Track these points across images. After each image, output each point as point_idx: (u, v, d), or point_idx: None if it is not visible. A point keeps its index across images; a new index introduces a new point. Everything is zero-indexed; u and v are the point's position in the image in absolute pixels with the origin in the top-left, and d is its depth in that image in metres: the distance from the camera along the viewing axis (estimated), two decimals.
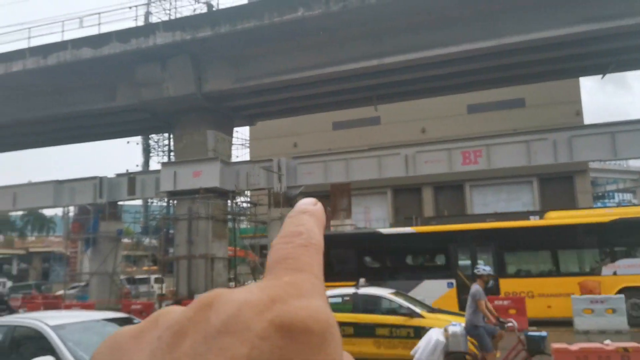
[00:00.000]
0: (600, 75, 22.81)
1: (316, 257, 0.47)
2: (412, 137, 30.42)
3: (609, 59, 20.78)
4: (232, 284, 22.41)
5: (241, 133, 35.55)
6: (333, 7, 19.17)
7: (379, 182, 24.86)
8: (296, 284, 0.44)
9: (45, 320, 7.91)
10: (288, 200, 22.36)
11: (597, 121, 31.49)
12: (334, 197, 28.47)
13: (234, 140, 27.96)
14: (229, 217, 23.50)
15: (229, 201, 23.27)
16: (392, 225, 36.73)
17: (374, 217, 33.37)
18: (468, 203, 33.36)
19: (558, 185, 31.40)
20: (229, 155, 24.85)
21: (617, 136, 18.96)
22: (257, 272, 22.54)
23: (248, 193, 24.55)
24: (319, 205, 0.54)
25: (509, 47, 19.29)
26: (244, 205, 24.81)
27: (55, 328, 7.69)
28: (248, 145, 34.66)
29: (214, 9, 23.00)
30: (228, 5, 21.77)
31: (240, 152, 36.26)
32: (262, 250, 23.31)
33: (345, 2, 19.04)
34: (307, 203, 0.54)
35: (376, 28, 19.95)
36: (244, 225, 28.03)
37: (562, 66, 21.73)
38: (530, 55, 20.02)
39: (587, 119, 33.89)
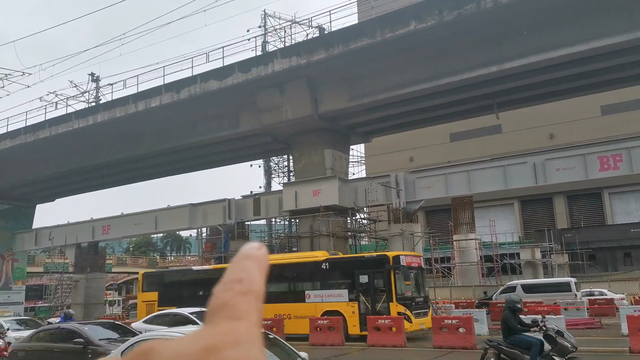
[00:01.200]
0: None
1: (255, 303, 0.48)
2: (538, 143, 28.50)
3: None
4: None
5: (356, 150, 35.93)
6: (447, 17, 18.75)
7: (505, 193, 23.60)
8: (232, 333, 0.45)
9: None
10: (407, 216, 22.05)
11: None
12: (456, 211, 27.52)
13: (350, 158, 28.32)
14: (349, 233, 23.72)
15: (348, 218, 23.51)
16: (521, 239, 34.49)
17: (500, 230, 31.59)
18: (608, 212, 30.37)
19: None
20: (346, 173, 25.19)
21: None
22: None
23: (366, 209, 24.59)
24: (263, 250, 0.54)
25: None
26: (364, 221, 24.89)
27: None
28: (364, 162, 34.87)
29: (326, 32, 23.69)
30: (340, 26, 22.31)
31: (356, 169, 36.58)
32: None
33: (460, 10, 18.52)
34: (251, 248, 0.54)
35: (493, 33, 19.14)
36: (364, 241, 28.08)
37: None
38: None
39: None
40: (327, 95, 22.43)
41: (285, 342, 9.89)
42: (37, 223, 37.38)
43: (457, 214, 27.42)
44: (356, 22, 23.81)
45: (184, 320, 14.27)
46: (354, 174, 33.75)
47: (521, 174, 20.48)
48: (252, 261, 0.52)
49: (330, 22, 22.73)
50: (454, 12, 18.68)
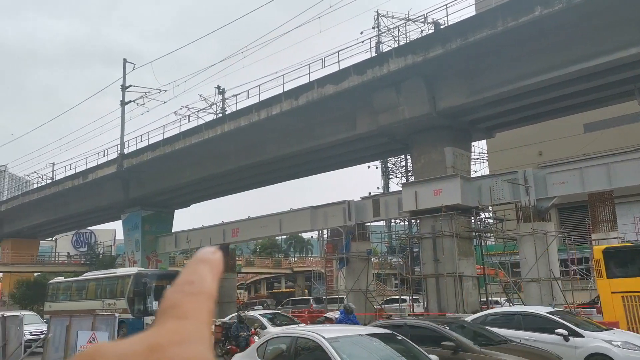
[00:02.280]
0: None
1: (205, 304, 0.50)
2: None
3: None
4: (484, 305, 21.57)
5: (478, 147, 34.51)
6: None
7: None
8: (178, 331, 0.47)
9: (321, 333, 8.83)
10: (538, 214, 20.70)
11: None
12: (594, 208, 25.30)
13: (472, 155, 27.26)
14: (474, 234, 22.83)
15: (472, 218, 22.66)
16: None
17: None
18: None
19: None
20: (469, 171, 24.28)
21: None
22: (509, 291, 21.25)
23: (492, 208, 23.49)
24: (218, 255, 0.57)
25: None
26: (489, 221, 23.81)
27: (330, 340, 8.53)
28: (487, 158, 33.37)
29: (441, 27, 23.09)
30: (456, 20, 21.61)
31: (478, 167, 35.14)
32: (514, 269, 21.97)
33: None
34: (206, 252, 0.56)
35: (631, 12, 17.31)
36: (490, 242, 26.88)
37: None
38: None
39: None
40: (445, 91, 21.85)
41: (412, 343, 9.77)
42: (175, 227, 40.97)
43: (595, 211, 25.13)
44: (474, 14, 22.88)
45: None
46: (476, 171, 32.46)
47: None
48: (205, 264, 0.55)
49: (447, 16, 22.05)
50: None
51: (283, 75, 27.51)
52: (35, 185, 48.85)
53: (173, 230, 39.77)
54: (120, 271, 27.99)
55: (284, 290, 61.08)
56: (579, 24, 18.17)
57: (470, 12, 24.36)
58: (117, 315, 14.37)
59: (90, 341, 12.84)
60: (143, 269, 29.43)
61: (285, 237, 62.32)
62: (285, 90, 26.86)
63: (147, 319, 21.69)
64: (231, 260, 36.80)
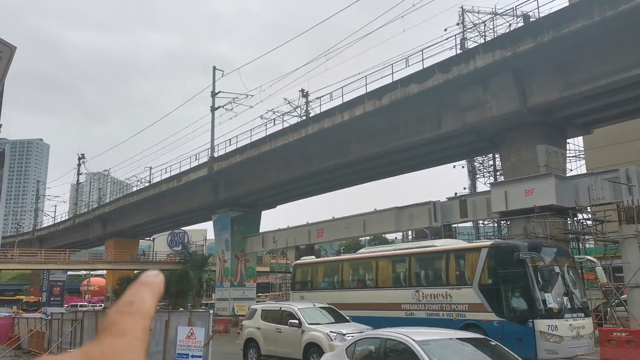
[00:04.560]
0: None
1: (141, 322, 0.56)
2: None
3: None
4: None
5: (573, 144, 32.57)
6: None
7: None
8: (114, 346, 0.52)
9: (412, 336, 8.81)
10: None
11: None
12: None
13: (567, 153, 25.78)
14: (571, 236, 21.58)
15: (568, 219, 21.45)
16: None
17: None
18: None
19: None
20: (564, 169, 23.02)
21: None
22: (611, 296, 19.85)
23: (590, 209, 22.09)
24: (159, 278, 0.63)
25: None
26: (588, 222, 22.40)
27: (420, 343, 8.48)
28: (583, 156, 31.41)
29: (531, 19, 22.08)
30: (548, 12, 20.58)
31: (574, 165, 33.13)
32: (615, 273, 20.51)
33: None
34: (148, 275, 0.62)
35: None
36: (590, 245, 25.27)
37: None
38: None
39: None
40: (536, 86, 20.88)
41: (506, 349, 9.47)
42: (262, 227, 42.35)
43: None
44: (567, 4, 21.66)
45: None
46: (571, 170, 30.67)
47: None
48: (145, 286, 0.61)
49: (538, 7, 21.09)
50: None
51: (366, 76, 27.63)
52: (134, 188, 52.47)
53: (260, 231, 41.10)
54: (445, 243, 18.07)
55: None
56: None
57: (563, 2, 23.06)
58: (462, 316, 15.14)
59: (189, 336, 13.65)
60: (502, 240, 19.97)
61: (369, 237, 62.32)
62: (368, 91, 26.95)
63: (542, 324, 13.08)
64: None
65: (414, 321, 15.97)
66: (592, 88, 19.48)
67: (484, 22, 27.58)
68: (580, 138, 30.64)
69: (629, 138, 29.09)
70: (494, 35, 24.49)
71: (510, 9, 25.58)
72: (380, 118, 26.40)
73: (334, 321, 14.79)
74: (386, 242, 67.43)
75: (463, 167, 38.39)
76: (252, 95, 40.44)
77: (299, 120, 35.04)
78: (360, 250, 22.14)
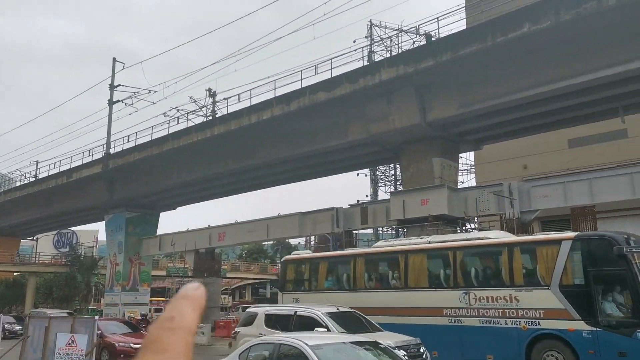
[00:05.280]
0: None
1: (183, 337, 0.55)
2: None
3: None
4: None
5: (466, 158, 34.95)
6: (564, 17, 17.78)
7: (633, 202, 21.67)
8: None
9: (304, 340, 8.90)
10: (522, 226, 21.03)
11: None
12: (576, 222, 25.71)
13: (460, 166, 27.62)
14: None
15: (458, 228, 22.94)
16: None
17: None
18: None
19: None
20: (456, 182, 24.61)
21: None
22: None
23: (477, 219, 23.82)
24: (200, 290, 0.62)
25: None
26: (475, 232, 24.11)
27: (313, 347, 8.59)
28: (474, 170, 33.80)
29: (433, 39, 23.46)
30: (448, 33, 21.98)
31: (465, 178, 35.59)
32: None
33: (578, 9, 17.49)
34: (189, 288, 0.62)
35: (617, 33, 17.81)
36: None
37: None
38: None
39: None
40: (435, 102, 22.18)
41: (396, 352, 9.85)
42: (160, 230, 40.72)
43: (577, 225, 25.58)
44: (465, 27, 23.29)
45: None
46: (463, 182, 32.85)
47: None
48: (186, 300, 0.61)
49: (438, 28, 22.47)
50: (572, 11, 17.69)
51: (275, 80, 27.66)
52: (18, 183, 48.24)
53: (158, 233, 39.52)
54: (498, 235, 15.26)
55: (269, 297, 60.91)
56: (566, 43, 18.62)
57: (462, 25, 24.77)
58: (534, 324, 12.39)
59: (69, 343, 12.73)
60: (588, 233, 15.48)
61: (272, 242, 62.11)
62: (277, 95, 26.99)
63: None
64: (216, 264, 36.68)
65: (463, 330, 13.69)
66: (484, 107, 21.07)
67: (390, 37, 28.84)
68: (472, 153, 32.98)
69: (513, 155, 31.74)
70: (398, 50, 25.67)
71: (414, 27, 26.97)
72: (289, 123, 26.55)
73: (369, 330, 12.40)
74: (289, 246, 67.83)
75: (366, 175, 39.75)
76: (155, 91, 38.96)
77: (205, 120, 34.27)
78: (378, 244, 18.67)
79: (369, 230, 34.55)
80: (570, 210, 23.75)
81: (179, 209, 42.40)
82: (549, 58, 19.32)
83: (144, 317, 22.82)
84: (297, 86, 26.12)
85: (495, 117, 22.14)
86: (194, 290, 0.62)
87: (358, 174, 38.65)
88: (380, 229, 32.86)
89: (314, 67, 25.92)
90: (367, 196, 39.30)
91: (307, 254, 19.99)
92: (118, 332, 19.17)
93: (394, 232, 30.28)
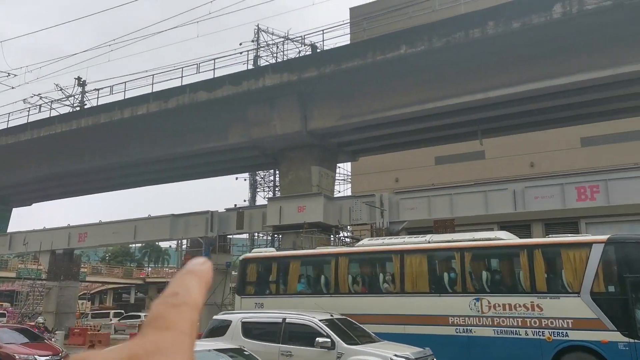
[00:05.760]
0: None
1: (188, 315, 0.52)
2: (519, 171, 29.11)
3: None
4: None
5: (343, 168, 36.19)
6: (436, 44, 19.26)
7: (486, 217, 23.97)
8: (157, 342, 0.48)
9: None
10: (390, 235, 22.22)
11: None
12: (438, 233, 27.77)
13: (337, 176, 28.53)
14: None
15: (332, 236, 23.60)
16: None
17: None
18: None
19: None
20: (332, 191, 25.34)
21: None
22: None
23: (350, 228, 24.74)
24: (207, 265, 0.59)
25: (628, 77, 18.09)
26: (347, 240, 24.99)
27: None
28: (350, 180, 35.11)
29: (318, 50, 24.05)
30: (332, 46, 22.69)
31: (342, 187, 36.88)
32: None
33: (449, 38, 19.06)
34: (195, 263, 0.59)
35: (481, 62, 19.69)
36: None
37: None
38: None
39: None
40: (317, 112, 22.69)
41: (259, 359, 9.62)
42: (12, 227, 36.62)
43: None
44: (349, 42, 24.20)
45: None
46: (339, 191, 33.94)
47: (501, 200, 20.86)
48: (192, 276, 0.57)
49: (323, 40, 23.19)
50: (443, 39, 19.22)
51: (153, 75, 26.43)
52: None
53: (8, 231, 35.47)
54: (505, 236, 13.71)
55: (132, 302, 57.52)
56: (436, 67, 20.16)
57: (346, 40, 25.70)
58: (561, 335, 10.91)
59: None
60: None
61: (140, 245, 58.91)
62: (154, 91, 25.76)
63: None
64: (75, 267, 33.81)
65: (474, 341, 12.34)
66: (362, 121, 22.02)
67: (276, 44, 29.03)
68: (349, 164, 34.28)
69: (386, 169, 33.54)
70: (283, 58, 25.91)
71: (300, 37, 27.43)
72: (166, 121, 25.45)
73: (373, 340, 11.13)
74: (159, 250, 64.73)
75: (245, 180, 39.39)
76: (15, 75, 35.08)
77: (72, 110, 31.58)
78: (363, 242, 16.21)
79: (245, 236, 34.25)
80: (433, 222, 25.65)
81: (34, 205, 38.52)
82: (421, 80, 20.76)
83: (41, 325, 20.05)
84: (177, 83, 25.23)
85: (371, 131, 23.22)
86: (200, 265, 0.58)
87: (237, 178, 38.22)
88: (256, 234, 32.73)
89: (196, 66, 25.22)
90: (245, 201, 38.98)
91: (271, 252, 17.35)
92: (17, 342, 15.93)
93: (269, 238, 30.33)
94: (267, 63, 26.97)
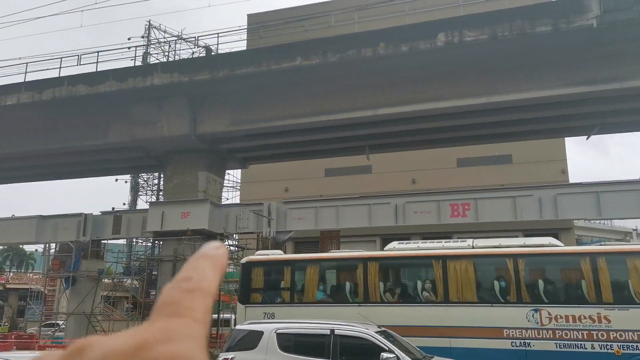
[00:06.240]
0: (585, 137, 23.42)
1: (201, 301, 0.48)
2: (402, 187, 30.66)
3: (594, 121, 21.40)
4: (214, 329, 21.80)
5: (233, 175, 35.58)
6: (330, 59, 19.67)
7: (369, 230, 24.85)
8: (168, 330, 0.45)
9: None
10: (276, 245, 22.15)
11: (581, 180, 32.06)
12: (324, 244, 28.26)
13: (225, 183, 27.94)
14: None
15: None
16: None
17: None
18: None
19: None
20: (219, 197, 24.74)
21: (602, 196, 19.24)
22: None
23: (236, 236, 24.29)
24: (222, 250, 0.55)
25: (499, 105, 19.82)
26: (232, 248, 24.49)
27: None
28: (239, 187, 34.59)
29: (213, 53, 23.48)
30: (228, 50, 22.27)
31: (230, 194, 36.19)
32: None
33: (342, 54, 19.56)
34: (209, 247, 0.55)
35: (372, 80, 20.43)
36: (230, 269, 27.61)
37: (550, 126, 22.31)
38: (519, 114, 20.56)
39: (571, 179, 34.61)
40: (207, 116, 22.06)
41: None
42: None
43: (324, 247, 28.17)
44: (245, 48, 23.93)
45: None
46: (227, 199, 33.28)
47: (384, 214, 21.75)
48: (206, 260, 0.52)
49: (218, 44, 22.67)
50: (337, 55, 19.69)
51: (27, 64, 24.06)
52: None
53: None
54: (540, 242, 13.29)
55: None
56: (330, 81, 20.58)
57: (243, 46, 25.43)
58: (632, 348, 9.76)
59: None
60: None
61: (1, 247, 53.21)
62: (27, 80, 23.45)
63: None
64: None
65: (533, 355, 11.56)
66: (253, 128, 21.78)
67: (168, 42, 27.88)
68: (239, 171, 33.79)
69: (277, 178, 33.57)
70: (175, 58, 24.94)
71: (194, 37, 26.63)
72: (39, 114, 23.25)
73: (424, 356, 9.94)
74: (23, 253, 58.83)
75: (126, 181, 37.18)
76: None
77: None
78: (393, 246, 14.28)
79: (122, 241, 32.29)
80: (319, 233, 26.06)
81: None
82: (315, 92, 21.05)
83: None
84: (54, 74, 23.20)
85: (263, 139, 23.07)
86: (215, 250, 0.54)
87: (117, 180, 35.97)
88: (135, 240, 31.01)
89: (77, 57, 23.40)
90: (124, 204, 36.77)
91: (279, 254, 15.48)
92: None
93: (150, 244, 28.86)
94: (158, 61, 25.80)
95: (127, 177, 36.36)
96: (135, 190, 37.04)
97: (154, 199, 35.19)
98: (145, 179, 37.14)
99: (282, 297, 14.32)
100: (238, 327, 10.82)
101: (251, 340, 9.93)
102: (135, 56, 24.23)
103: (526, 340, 11.67)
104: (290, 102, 21.29)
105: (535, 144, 29.24)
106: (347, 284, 13.93)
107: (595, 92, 18.41)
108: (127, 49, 24.39)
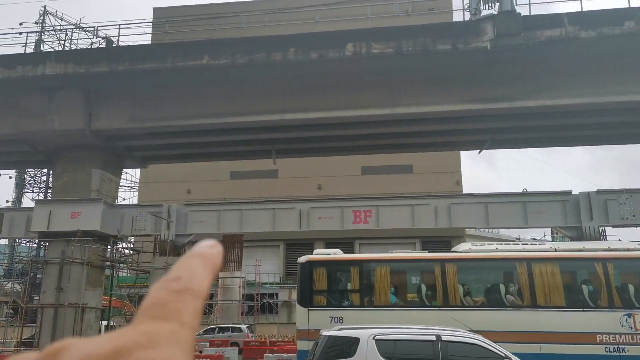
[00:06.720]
0: (478, 151, 25.06)
1: (190, 303, 0.45)
2: (308, 192, 30.97)
3: (485, 136, 22.94)
4: None
5: (131, 175, 33.89)
6: (239, 60, 19.35)
7: (273, 235, 24.79)
8: (151, 334, 0.42)
9: None
10: (175, 249, 21.36)
11: (473, 192, 34.36)
12: (226, 248, 27.71)
13: (122, 182, 26.51)
14: (108, 263, 21.83)
15: (109, 246, 21.70)
16: (282, 279, 36.37)
17: (265, 270, 32.86)
18: None
19: (438, 247, 33.40)
20: (115, 197, 23.40)
21: (490, 207, 20.65)
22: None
23: (132, 239, 23.09)
24: (217, 249, 0.51)
25: (402, 117, 20.60)
26: (126, 251, 23.25)
27: None
28: (137, 187, 33.00)
29: (113, 45, 22.22)
30: (130, 43, 21.19)
31: (127, 195, 34.38)
32: (142, 301, 21.89)
33: (252, 56, 19.33)
34: (203, 245, 0.51)
35: (282, 85, 20.39)
36: (124, 273, 26.20)
37: (446, 139, 23.59)
38: (420, 126, 21.54)
39: (465, 190, 36.91)
40: (105, 111, 20.80)
41: None
42: None
43: (227, 251, 27.67)
44: (149, 42, 22.91)
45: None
46: (124, 199, 31.64)
47: (289, 218, 21.77)
48: (198, 259, 0.49)
49: (119, 35, 21.46)
50: (246, 57, 19.43)
51: None
52: None
53: None
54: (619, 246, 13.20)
55: None
56: (237, 83, 20.25)
57: (147, 40, 24.34)
58: None
59: None
60: None
61: None
62: None
63: None
64: None
65: None
66: (155, 126, 20.86)
67: (65, 30, 25.98)
68: (138, 170, 32.26)
69: (179, 179, 32.49)
70: (71, 47, 23.30)
71: (93, 27, 25.04)
72: None
73: None
74: None
75: (11, 177, 34.06)
76: None
77: None
78: (466, 247, 13.85)
79: (4, 241, 29.54)
80: (222, 237, 25.53)
81: None
82: (222, 93, 20.60)
83: None
84: None
85: (165, 138, 22.18)
86: (209, 248, 0.51)
87: (0, 174, 32.84)
88: (18, 240, 28.52)
89: None
90: (8, 202, 33.68)
91: (339, 254, 14.11)
92: None
93: (35, 245, 26.65)
94: (52, 50, 23.96)
95: (12, 172, 33.37)
96: (20, 187, 34.02)
97: (41, 196, 32.58)
98: (32, 175, 34.26)
99: (350, 299, 13.51)
100: (326, 333, 9.79)
101: (346, 347, 9.20)
102: (26, 43, 22.34)
103: (620, 346, 11.53)
104: (195, 102, 20.66)
105: (434, 155, 30.87)
106: (423, 286, 13.38)
107: (487, 109, 19.72)
108: (18, 34, 22.43)
